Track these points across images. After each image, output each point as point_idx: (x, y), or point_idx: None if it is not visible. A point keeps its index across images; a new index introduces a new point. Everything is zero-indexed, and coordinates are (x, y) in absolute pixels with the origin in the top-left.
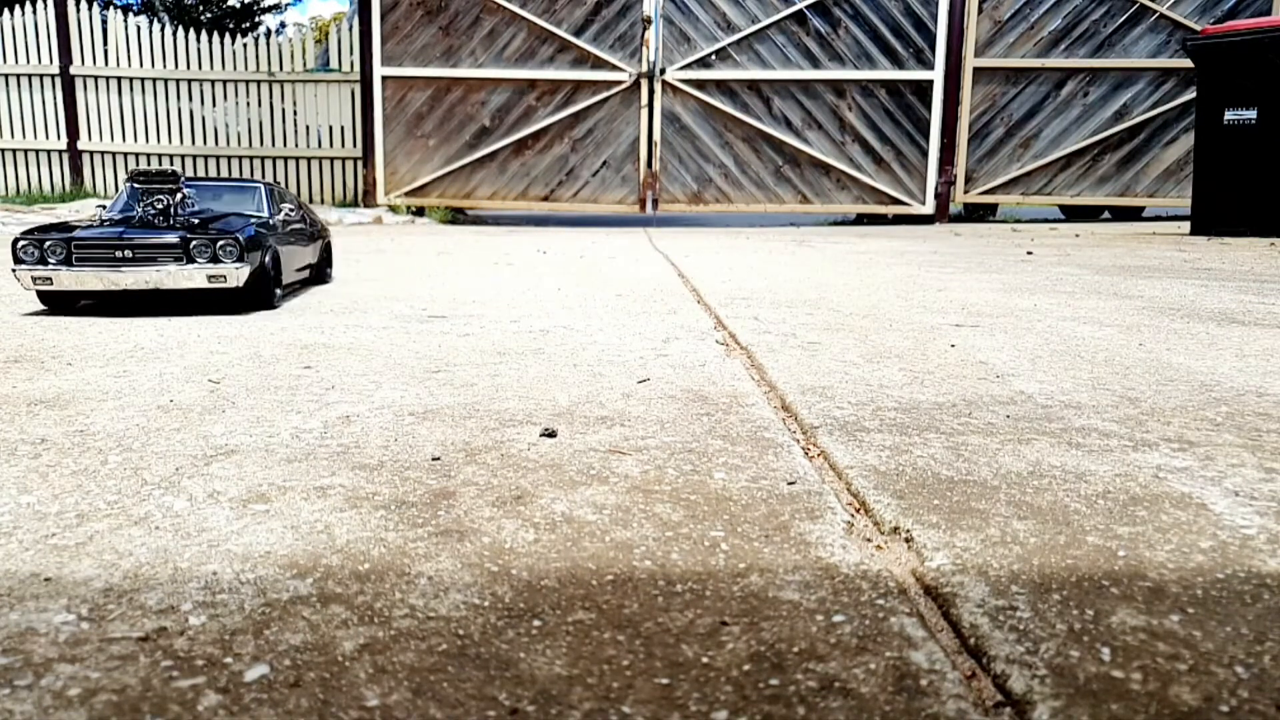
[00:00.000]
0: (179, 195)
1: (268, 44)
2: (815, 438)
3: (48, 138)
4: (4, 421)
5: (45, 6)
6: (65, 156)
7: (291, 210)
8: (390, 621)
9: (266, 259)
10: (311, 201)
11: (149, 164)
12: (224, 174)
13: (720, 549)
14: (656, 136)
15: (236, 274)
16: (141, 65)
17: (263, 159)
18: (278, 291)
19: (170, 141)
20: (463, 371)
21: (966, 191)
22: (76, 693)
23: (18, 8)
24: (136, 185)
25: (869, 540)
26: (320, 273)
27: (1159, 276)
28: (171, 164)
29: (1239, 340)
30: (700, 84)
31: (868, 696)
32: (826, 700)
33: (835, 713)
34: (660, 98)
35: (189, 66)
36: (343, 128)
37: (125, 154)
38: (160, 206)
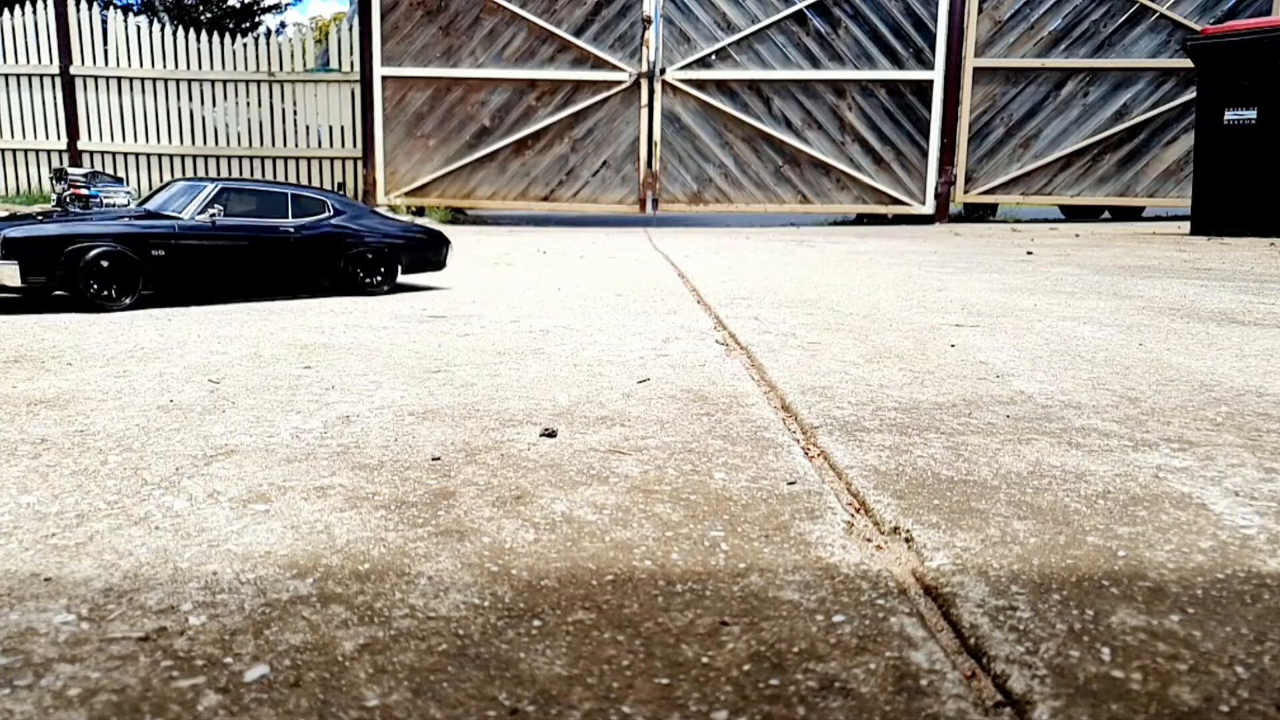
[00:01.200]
0: (69, 192)
1: (268, 44)
2: (815, 438)
3: (48, 138)
4: (4, 421)
5: (45, 6)
6: (65, 156)
7: (218, 214)
8: (390, 621)
9: (89, 258)
10: None
11: (149, 164)
12: (223, 174)
13: (720, 549)
14: (656, 136)
15: None
16: (141, 65)
17: (262, 159)
18: (127, 300)
19: (170, 141)
20: (462, 371)
21: (966, 191)
22: (76, 693)
23: (18, 8)
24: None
25: (869, 540)
26: (344, 280)
27: (1159, 276)
28: (172, 164)
29: (1239, 340)
30: (700, 84)
31: (868, 696)
32: (826, 700)
33: (835, 713)
34: (660, 98)
35: (189, 66)
36: (343, 128)
37: (125, 154)
38: (52, 203)
